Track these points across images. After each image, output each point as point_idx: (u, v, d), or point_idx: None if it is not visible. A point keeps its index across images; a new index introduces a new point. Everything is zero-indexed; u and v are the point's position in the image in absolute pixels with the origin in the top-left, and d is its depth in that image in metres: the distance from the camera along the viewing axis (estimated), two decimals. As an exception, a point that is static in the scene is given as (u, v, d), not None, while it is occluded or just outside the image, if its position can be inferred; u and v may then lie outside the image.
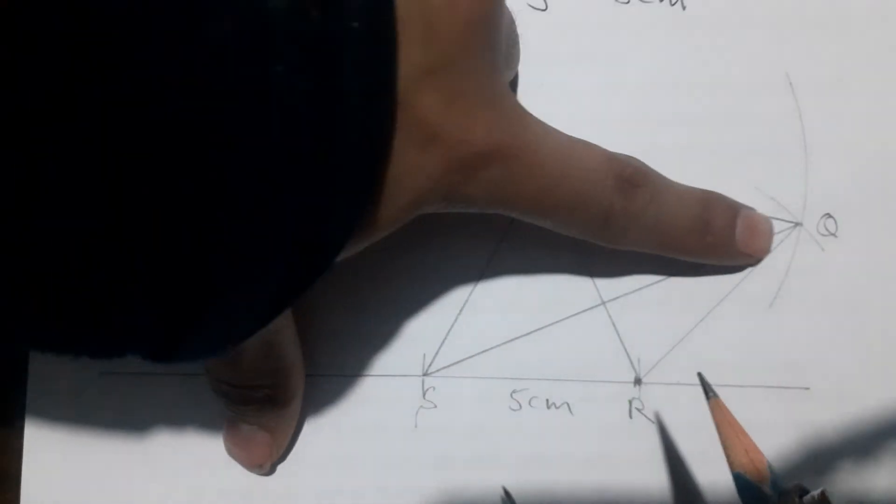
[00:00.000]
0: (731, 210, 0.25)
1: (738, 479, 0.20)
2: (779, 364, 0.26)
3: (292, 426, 0.25)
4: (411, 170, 0.19)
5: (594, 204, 0.22)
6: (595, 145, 0.23)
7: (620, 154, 0.23)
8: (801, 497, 0.19)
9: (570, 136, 0.22)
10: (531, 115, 0.22)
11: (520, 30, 0.27)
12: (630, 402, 0.26)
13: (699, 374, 0.22)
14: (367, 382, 0.26)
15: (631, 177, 0.23)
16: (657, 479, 0.25)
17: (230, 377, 0.23)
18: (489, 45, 0.20)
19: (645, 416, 0.26)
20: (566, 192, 0.22)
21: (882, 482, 0.25)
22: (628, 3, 0.27)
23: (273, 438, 0.24)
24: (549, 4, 0.27)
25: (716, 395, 0.21)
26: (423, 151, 0.19)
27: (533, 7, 0.27)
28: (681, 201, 0.24)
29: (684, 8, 0.27)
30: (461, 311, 0.26)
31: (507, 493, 0.25)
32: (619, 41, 0.27)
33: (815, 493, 0.19)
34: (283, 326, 0.23)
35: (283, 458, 0.25)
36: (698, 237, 0.25)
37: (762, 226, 0.26)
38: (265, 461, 0.25)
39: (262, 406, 0.24)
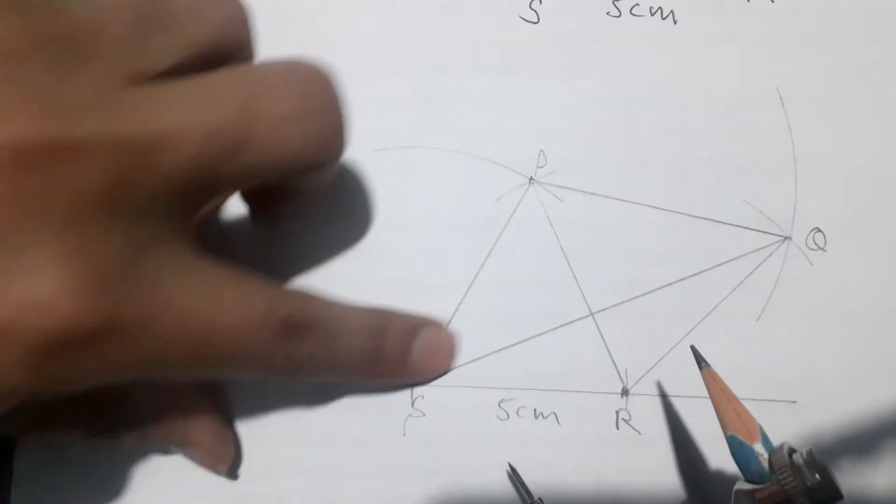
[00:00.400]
0: (407, 336, 0.25)
1: (732, 440, 0.21)
2: (766, 377, 0.26)
3: (213, 433, 0.24)
4: None
5: (251, 358, 0.20)
6: (268, 289, 0.21)
7: (293, 294, 0.22)
8: (790, 455, 0.20)
9: (235, 279, 0.20)
10: (180, 267, 0.19)
11: (512, 41, 0.27)
12: (617, 413, 0.26)
13: (692, 347, 0.23)
14: (355, 390, 0.26)
15: (299, 323, 0.21)
16: (644, 489, 0.25)
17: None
18: (118, 192, 0.17)
19: (632, 427, 0.26)
20: (213, 353, 0.20)
21: (868, 495, 0.25)
22: (619, 16, 0.27)
23: (203, 450, 0.24)
24: (540, 17, 0.27)
25: (708, 365, 0.22)
26: None
27: (524, 19, 0.27)
28: (353, 337, 0.23)
29: (675, 22, 0.27)
30: (450, 320, 0.26)
31: (513, 469, 0.25)
32: (611, 54, 0.27)
33: (804, 450, 0.20)
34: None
35: (270, 464, 0.26)
36: (372, 367, 0.24)
37: (443, 345, 0.26)
38: (214, 467, 0.25)
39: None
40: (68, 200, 0.16)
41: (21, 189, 0.16)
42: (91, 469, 0.25)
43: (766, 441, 0.21)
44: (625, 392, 0.26)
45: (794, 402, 0.26)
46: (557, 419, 0.26)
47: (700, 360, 0.22)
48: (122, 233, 0.17)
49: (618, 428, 0.26)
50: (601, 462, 0.25)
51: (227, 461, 0.25)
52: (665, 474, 0.25)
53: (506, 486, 0.25)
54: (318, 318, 0.22)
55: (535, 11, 0.27)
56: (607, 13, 0.27)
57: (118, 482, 0.25)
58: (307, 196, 0.24)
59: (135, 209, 0.18)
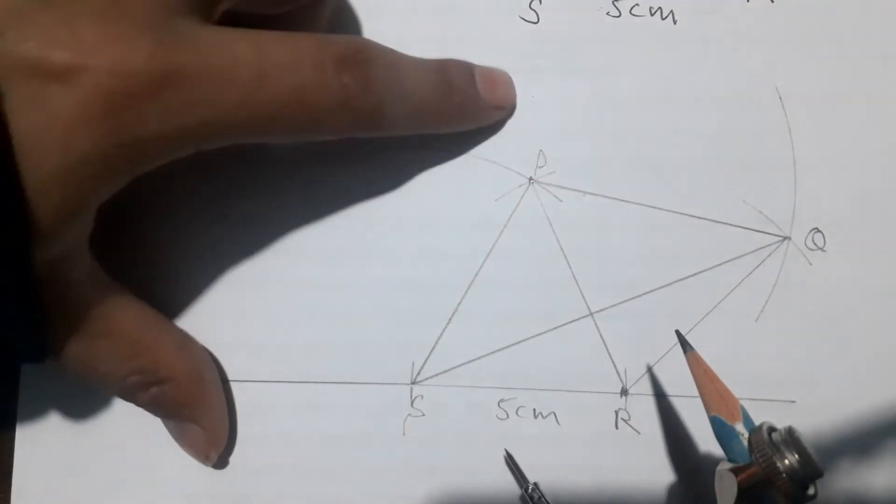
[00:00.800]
0: (467, 68, 0.25)
1: (714, 421, 0.21)
2: (765, 377, 0.26)
3: (217, 411, 0.25)
4: (49, 124, 0.17)
5: (320, 93, 0.21)
6: (311, 34, 0.21)
7: (338, 36, 0.22)
8: (769, 434, 0.20)
9: (277, 34, 0.21)
10: (211, 26, 0.20)
11: (512, 41, 0.27)
12: (616, 413, 0.26)
13: (677, 331, 0.23)
14: (355, 390, 0.26)
15: (354, 55, 0.21)
16: (643, 489, 0.25)
17: (91, 373, 0.22)
18: None
19: (631, 426, 0.26)
20: (274, 92, 0.20)
21: (868, 495, 0.25)
22: (619, 16, 0.27)
23: (203, 429, 0.24)
24: (540, 17, 0.27)
25: (692, 349, 0.22)
26: (61, 93, 0.17)
27: (524, 19, 0.27)
28: (417, 69, 0.24)
29: (675, 22, 0.27)
30: (450, 320, 0.26)
31: (509, 455, 0.25)
32: (610, 54, 0.27)
33: (783, 429, 0.20)
34: (117, 307, 0.22)
35: (231, 449, 0.26)
36: (446, 99, 0.24)
37: (499, 76, 0.26)
38: (207, 453, 0.25)
39: (154, 397, 0.23)
40: None
41: None
42: (89, 466, 0.26)
43: (747, 421, 0.21)
44: (624, 392, 0.26)
45: (794, 402, 0.26)
46: (557, 419, 0.26)
47: (685, 344, 0.22)
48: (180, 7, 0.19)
49: (617, 427, 0.26)
50: (600, 461, 0.25)
51: (221, 448, 0.25)
52: (664, 473, 0.25)
53: (505, 485, 0.25)
54: (373, 50, 0.22)
55: (535, 11, 0.27)
56: (607, 13, 0.27)
57: (118, 482, 0.26)
58: None
59: None
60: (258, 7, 0.22)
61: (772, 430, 0.20)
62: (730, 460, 0.20)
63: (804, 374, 0.26)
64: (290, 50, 0.20)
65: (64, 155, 0.18)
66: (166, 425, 0.25)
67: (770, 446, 0.19)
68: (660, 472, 0.25)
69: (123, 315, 0.22)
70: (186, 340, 0.25)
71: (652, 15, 0.27)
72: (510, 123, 0.27)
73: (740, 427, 0.21)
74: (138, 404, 0.24)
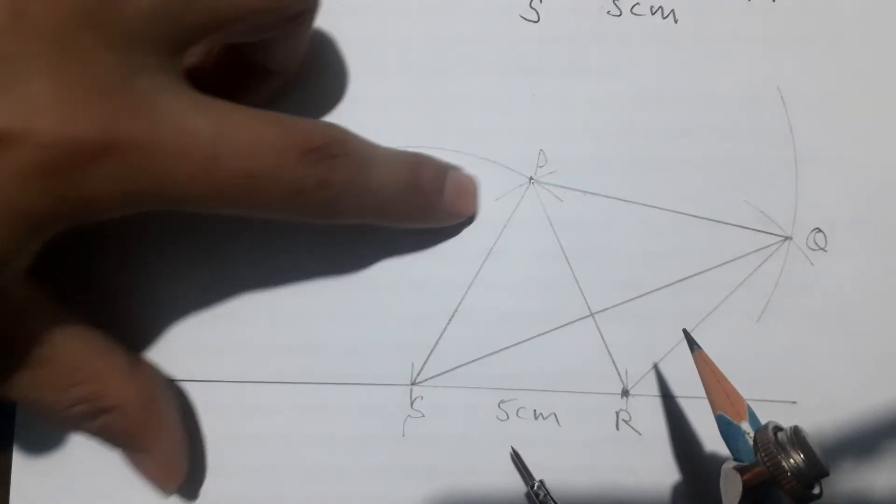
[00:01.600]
0: (440, 171, 0.25)
1: (720, 420, 0.21)
2: (766, 377, 0.26)
3: (171, 440, 0.23)
4: None
5: (272, 182, 0.20)
6: (283, 118, 0.21)
7: (315, 123, 0.22)
8: (775, 434, 0.20)
9: (243, 112, 0.20)
10: (175, 90, 0.19)
11: (513, 41, 0.27)
12: (617, 414, 0.26)
13: (684, 330, 0.23)
14: (355, 391, 0.26)
15: (323, 147, 0.21)
16: (644, 490, 0.25)
17: (35, 403, 0.22)
18: (96, 21, 0.18)
19: (632, 427, 0.26)
20: (225, 175, 0.19)
21: (868, 495, 0.25)
22: (620, 15, 0.27)
23: (156, 460, 0.23)
24: (540, 16, 0.27)
25: (700, 348, 0.22)
26: (2, 156, 0.17)
27: (525, 18, 0.27)
28: (389, 165, 0.23)
29: (676, 21, 0.27)
30: (450, 320, 0.26)
31: (515, 453, 0.25)
32: (611, 53, 0.27)
33: (789, 428, 0.20)
34: (57, 335, 0.21)
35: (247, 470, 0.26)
36: (410, 199, 0.24)
37: (469, 185, 0.26)
38: (163, 485, 0.24)
39: (101, 426, 0.22)
40: (59, 18, 0.17)
41: (15, 3, 0.17)
42: (85, 468, 0.25)
43: (753, 420, 0.21)
44: (625, 392, 0.26)
45: (795, 402, 0.26)
46: (557, 420, 0.26)
47: (691, 343, 0.22)
48: (112, 55, 0.18)
49: (618, 428, 0.26)
50: (601, 463, 0.25)
51: (177, 480, 0.24)
52: (665, 475, 0.25)
53: (506, 487, 0.25)
54: (346, 142, 0.22)
55: (536, 10, 0.27)
56: (608, 12, 0.27)
57: (115, 484, 0.25)
58: (281, 76, 0.25)
59: (120, 37, 0.18)
60: (234, 39, 0.22)
61: (777, 429, 0.20)
62: (735, 459, 0.20)
63: (806, 374, 0.26)
64: (251, 133, 0.20)
65: None
66: (122, 455, 0.24)
67: (775, 445, 0.19)
68: (661, 474, 0.25)
69: (64, 342, 0.21)
70: (136, 366, 0.23)
71: (653, 14, 0.27)
72: (511, 123, 0.27)
73: (746, 426, 0.20)
74: (88, 434, 0.23)
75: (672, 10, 0.27)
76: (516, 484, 0.25)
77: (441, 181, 0.25)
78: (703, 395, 0.25)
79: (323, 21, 0.27)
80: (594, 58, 0.27)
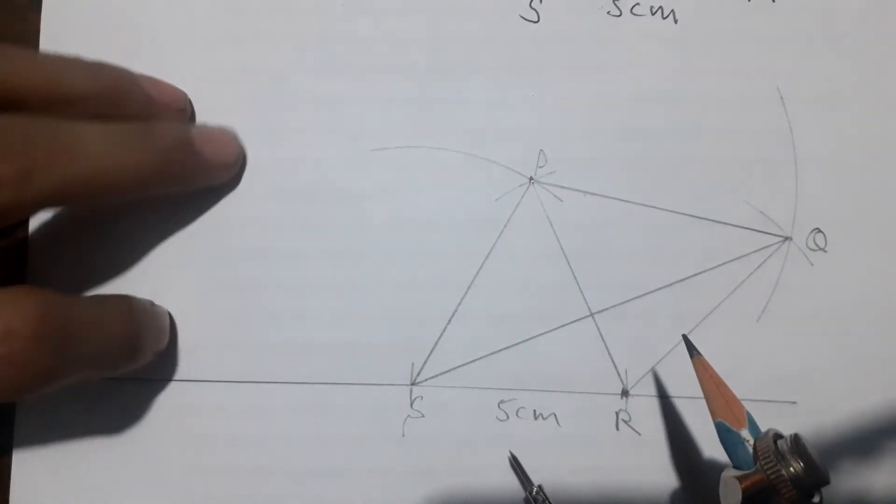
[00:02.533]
0: (179, 129, 0.25)
1: (720, 427, 0.21)
2: (766, 378, 0.26)
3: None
4: None
5: None
6: None
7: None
8: (775, 442, 0.20)
9: None
10: None
11: (512, 41, 0.27)
12: (617, 414, 0.26)
13: (684, 336, 0.23)
14: (354, 391, 0.26)
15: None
16: (643, 490, 0.25)
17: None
18: None
19: (632, 427, 0.26)
20: None
21: (868, 495, 0.25)
22: (620, 15, 0.27)
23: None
24: (540, 16, 0.27)
25: (699, 354, 0.22)
26: None
27: (525, 19, 0.27)
28: (103, 136, 0.23)
29: (676, 21, 0.27)
30: (450, 320, 0.26)
31: (514, 457, 0.25)
32: (611, 54, 0.27)
33: (789, 436, 0.20)
34: None
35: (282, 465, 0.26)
36: (158, 163, 0.23)
37: (218, 134, 0.26)
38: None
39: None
40: None
41: None
42: (87, 468, 0.25)
43: (753, 427, 0.21)
44: (625, 393, 0.26)
45: (795, 402, 0.26)
46: (557, 420, 0.26)
47: (691, 349, 0.22)
48: None
49: (618, 429, 0.26)
50: (601, 463, 0.25)
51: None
52: (665, 475, 0.25)
53: (505, 487, 0.25)
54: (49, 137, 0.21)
55: (536, 11, 0.27)
56: (608, 12, 0.27)
57: (116, 484, 0.25)
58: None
59: None
60: None
61: (777, 437, 0.20)
62: (735, 467, 0.20)
63: (806, 374, 0.26)
64: None
65: None
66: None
67: (775, 454, 0.19)
68: (660, 474, 0.25)
69: None
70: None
71: (653, 14, 0.27)
72: (511, 123, 0.27)
73: (745, 433, 0.20)
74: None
75: (672, 11, 0.27)
76: (516, 484, 0.25)
77: (184, 137, 0.25)
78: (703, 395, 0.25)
79: (323, 21, 0.27)
80: (594, 58, 0.27)
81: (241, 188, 0.26)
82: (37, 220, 0.26)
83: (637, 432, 0.26)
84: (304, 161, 0.26)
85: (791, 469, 0.19)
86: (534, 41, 0.27)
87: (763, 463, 0.19)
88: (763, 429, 0.21)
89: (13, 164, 0.20)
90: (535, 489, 0.24)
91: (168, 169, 0.24)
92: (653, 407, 0.26)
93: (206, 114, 0.27)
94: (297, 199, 0.26)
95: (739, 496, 0.19)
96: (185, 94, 0.26)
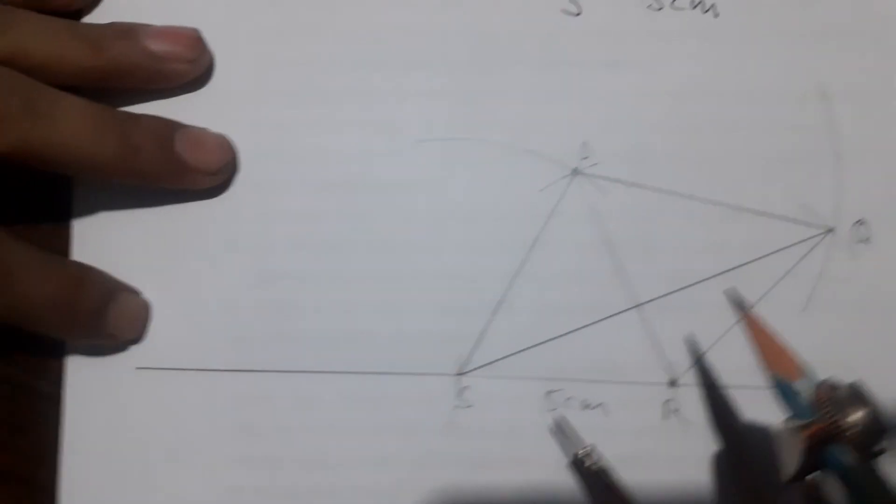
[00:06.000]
0: (105, 295, 0.25)
1: (774, 379, 0.21)
2: (812, 368, 0.26)
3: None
4: None
5: None
6: None
7: None
8: (834, 390, 0.20)
9: None
10: None
11: (554, 33, 0.27)
12: (665, 404, 0.26)
13: (729, 290, 0.23)
14: (401, 381, 0.26)
15: None
16: (692, 480, 0.25)
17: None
18: None
19: (680, 417, 0.26)
20: None
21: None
22: (661, 9, 0.27)
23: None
24: (582, 9, 0.27)
25: (748, 309, 0.22)
26: None
27: (566, 12, 0.27)
28: (41, 283, 0.23)
29: (717, 15, 0.27)
30: (495, 311, 0.26)
31: (559, 423, 0.25)
32: (652, 47, 0.27)
33: (847, 383, 0.20)
34: None
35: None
36: (64, 319, 0.24)
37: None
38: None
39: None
40: None
41: None
42: (136, 456, 0.25)
43: (808, 378, 0.20)
44: (672, 383, 0.26)
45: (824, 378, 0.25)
46: (605, 410, 0.26)
47: (740, 303, 0.22)
48: None
49: (665, 418, 0.26)
50: (649, 453, 0.25)
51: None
52: (714, 464, 0.25)
53: (554, 476, 0.25)
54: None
55: (577, 3, 0.27)
56: (648, 6, 0.27)
57: (163, 470, 0.25)
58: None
59: None
60: None
61: (836, 386, 0.20)
62: (791, 418, 0.20)
63: (851, 365, 0.25)
64: None
65: None
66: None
67: (835, 401, 0.19)
68: (709, 464, 0.25)
69: None
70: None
71: (693, 8, 0.27)
72: (554, 115, 0.27)
73: (802, 384, 0.20)
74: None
75: (713, 4, 0.27)
76: (565, 473, 0.25)
77: (104, 304, 0.25)
78: (750, 384, 0.25)
79: (365, 14, 0.27)
80: (635, 51, 0.27)
81: (286, 180, 0.26)
82: (82, 201, 0.26)
83: (685, 421, 0.25)
84: (347, 153, 0.27)
85: (853, 415, 0.19)
86: (575, 34, 0.27)
87: (824, 411, 0.19)
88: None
89: None
90: (581, 451, 0.24)
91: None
92: (700, 396, 0.26)
93: (248, 106, 0.27)
94: (341, 190, 0.26)
95: (799, 447, 0.19)
96: (196, 39, 0.26)
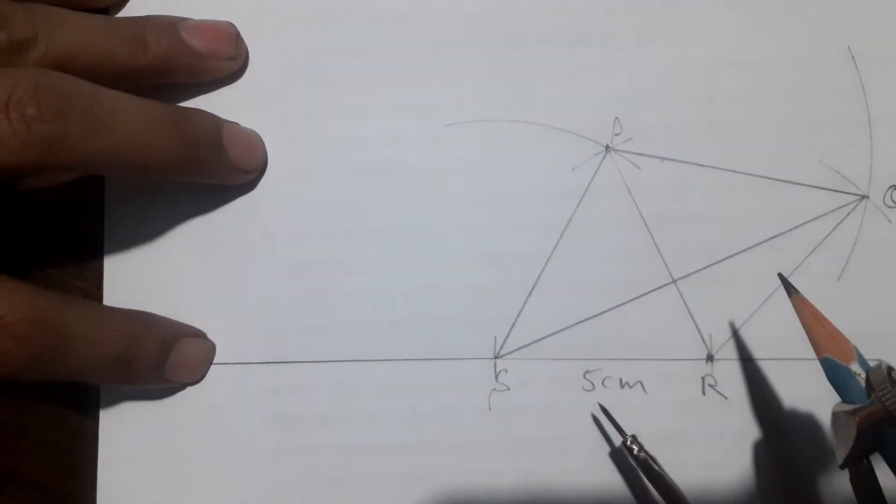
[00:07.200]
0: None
1: (827, 362, 0.20)
2: (849, 337, 0.25)
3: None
4: None
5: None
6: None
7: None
8: (889, 373, 0.19)
9: None
10: None
11: (583, 9, 0.26)
12: (703, 379, 0.26)
13: (780, 275, 0.22)
14: (439, 366, 0.26)
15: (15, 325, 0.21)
16: (732, 454, 0.25)
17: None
18: None
19: (718, 392, 0.26)
20: None
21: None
22: (689, -22, 0.27)
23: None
24: (611, -18, 0.27)
25: (797, 292, 0.22)
26: None
27: (594, -15, 0.27)
28: (100, 344, 0.23)
29: (745, -18, 0.27)
30: (531, 293, 0.26)
31: (604, 409, 0.25)
32: (683, 19, 0.27)
33: None
34: None
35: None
36: (123, 374, 0.24)
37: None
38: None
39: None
40: None
41: None
42: (176, 449, 0.25)
43: (861, 361, 0.20)
44: (710, 357, 0.26)
45: (880, 361, 0.25)
46: (644, 388, 0.26)
47: (789, 288, 0.22)
48: None
49: (704, 394, 0.26)
50: (689, 428, 0.25)
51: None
52: (753, 438, 0.25)
53: (594, 457, 0.25)
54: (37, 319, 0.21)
55: (605, -24, 0.27)
56: (676, -24, 0.27)
57: (204, 462, 0.25)
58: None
59: None
60: None
61: (891, 368, 0.20)
62: (844, 401, 0.20)
63: (888, 332, 0.26)
64: None
65: None
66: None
67: (892, 383, 0.19)
68: (748, 437, 0.25)
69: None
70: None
71: (722, -25, 0.27)
72: (584, 92, 0.26)
73: (855, 367, 0.20)
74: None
75: (742, -29, 0.27)
76: (604, 454, 0.25)
77: (163, 356, 0.24)
78: (789, 356, 0.25)
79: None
80: (664, 24, 0.27)
81: (318, 169, 0.26)
82: (113, 204, 0.26)
83: (723, 396, 0.26)
84: (379, 138, 0.26)
85: None
86: (603, 9, 0.27)
87: (880, 393, 0.19)
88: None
89: (48, 126, 0.20)
90: (629, 438, 0.24)
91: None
92: (738, 370, 0.26)
93: (279, 94, 0.26)
94: (374, 177, 0.26)
95: (855, 429, 0.19)
96: (234, 35, 0.26)
